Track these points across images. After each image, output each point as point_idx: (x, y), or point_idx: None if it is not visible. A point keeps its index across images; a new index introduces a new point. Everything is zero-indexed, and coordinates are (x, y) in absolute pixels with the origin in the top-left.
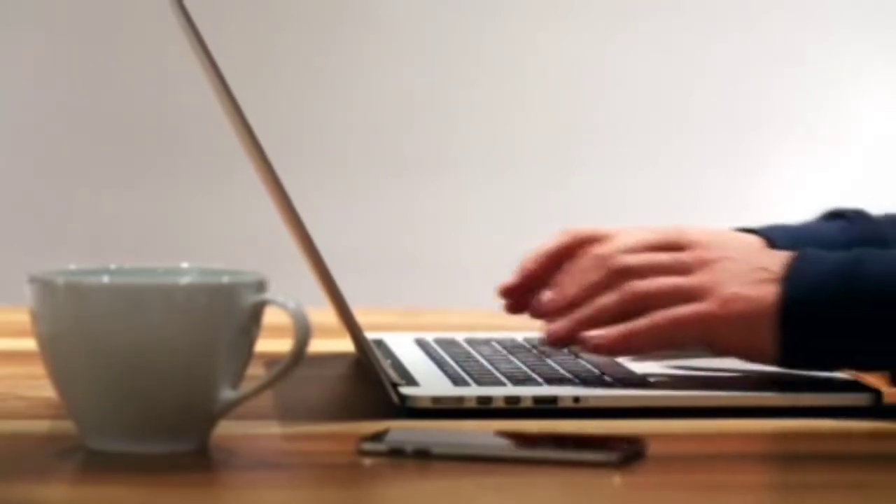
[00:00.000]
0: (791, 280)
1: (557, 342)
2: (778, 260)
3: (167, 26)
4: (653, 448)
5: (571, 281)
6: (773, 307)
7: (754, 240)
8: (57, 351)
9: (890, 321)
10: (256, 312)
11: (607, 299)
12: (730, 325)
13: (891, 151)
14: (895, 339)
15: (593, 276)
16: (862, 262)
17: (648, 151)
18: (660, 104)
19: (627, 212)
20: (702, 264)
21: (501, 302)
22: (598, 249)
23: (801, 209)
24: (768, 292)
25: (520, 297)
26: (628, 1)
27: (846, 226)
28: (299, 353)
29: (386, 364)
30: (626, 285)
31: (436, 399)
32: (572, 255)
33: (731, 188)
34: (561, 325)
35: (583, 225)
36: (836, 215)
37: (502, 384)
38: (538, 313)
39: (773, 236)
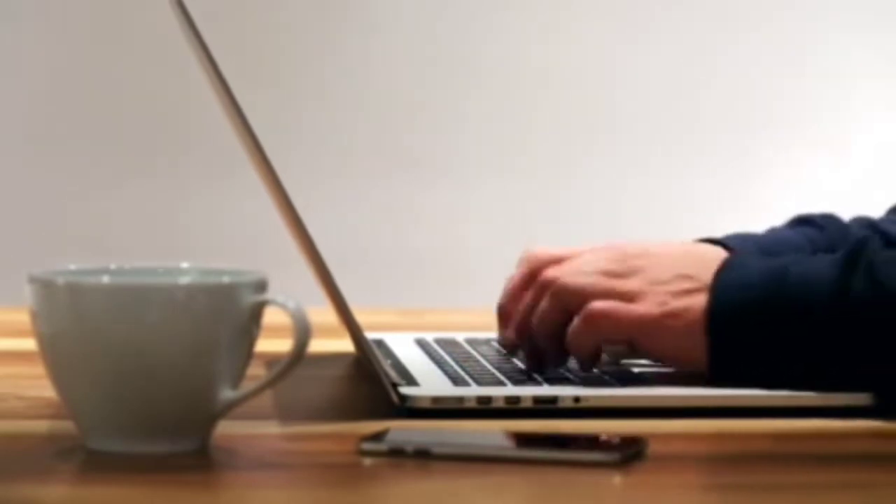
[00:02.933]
0: (718, 290)
1: (537, 371)
2: (706, 267)
3: (167, 26)
4: (653, 448)
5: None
6: (701, 318)
7: (716, 252)
8: (57, 351)
9: (815, 331)
10: (256, 312)
11: (541, 304)
12: (660, 332)
13: (893, 154)
14: (825, 350)
15: (528, 295)
16: (787, 270)
17: (651, 153)
18: (663, 106)
19: (630, 212)
20: (633, 272)
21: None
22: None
23: (803, 211)
24: (696, 302)
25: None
26: (633, 4)
27: (813, 232)
28: (299, 353)
29: (386, 364)
30: (555, 285)
31: (436, 399)
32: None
33: (733, 190)
34: (507, 335)
35: (541, 247)
36: (804, 221)
37: (502, 384)
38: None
39: (739, 246)
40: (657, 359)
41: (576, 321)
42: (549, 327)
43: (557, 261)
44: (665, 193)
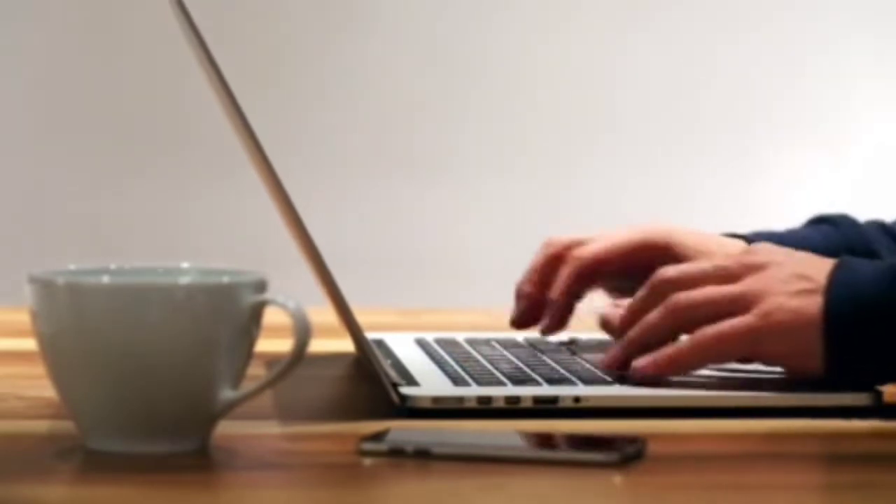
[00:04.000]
0: (834, 291)
1: (613, 368)
2: (821, 268)
3: (167, 26)
4: (653, 448)
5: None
6: (817, 319)
7: (739, 245)
8: (57, 351)
9: None
10: (256, 312)
11: (652, 317)
12: (775, 337)
13: (893, 154)
14: None
15: (640, 295)
16: None
17: (653, 153)
18: (664, 106)
19: (631, 212)
20: (747, 271)
21: (508, 307)
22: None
23: (803, 211)
24: (812, 303)
25: (529, 318)
26: (634, 4)
27: (831, 232)
28: (299, 353)
29: (386, 364)
30: (669, 300)
31: (436, 399)
32: (559, 265)
33: (733, 190)
34: (613, 353)
35: (562, 235)
36: (821, 221)
37: (502, 384)
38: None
39: (757, 241)
40: (774, 365)
41: (687, 346)
42: (653, 339)
43: (578, 243)
44: (665, 193)
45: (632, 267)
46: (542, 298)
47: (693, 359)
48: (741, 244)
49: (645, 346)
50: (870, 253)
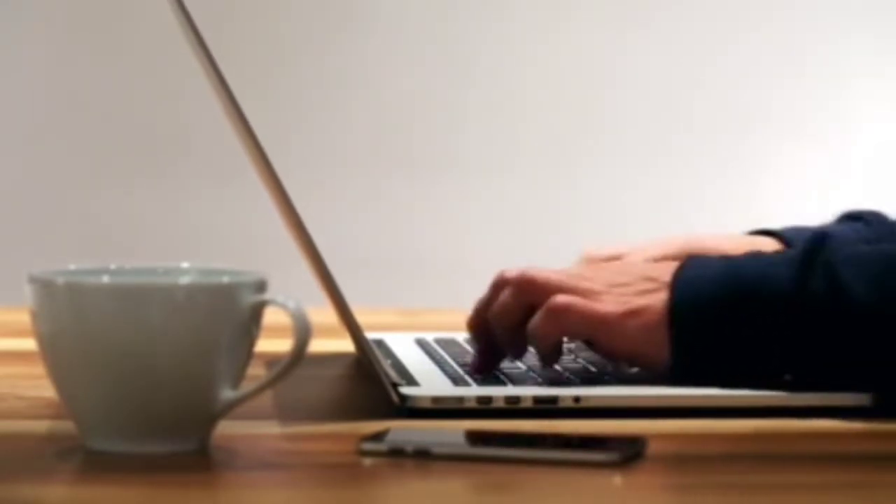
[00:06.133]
0: (678, 286)
1: (479, 371)
2: (666, 270)
3: (167, 26)
4: (653, 448)
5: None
6: (661, 314)
7: (772, 245)
8: (57, 351)
9: (764, 322)
10: (256, 312)
11: (503, 297)
12: (623, 328)
13: (893, 153)
14: (776, 341)
15: (488, 293)
16: (743, 267)
17: (653, 153)
18: (665, 105)
19: (632, 213)
20: (594, 276)
21: None
22: None
23: (804, 210)
24: (656, 299)
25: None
26: (634, 4)
27: (863, 228)
28: (299, 353)
29: (386, 364)
30: (516, 279)
31: (436, 399)
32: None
33: (734, 190)
34: (476, 355)
35: (599, 246)
36: (853, 217)
37: (502, 384)
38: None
39: (792, 237)
40: (616, 357)
41: (538, 314)
42: (508, 319)
43: (616, 257)
44: (666, 193)
45: None
46: None
47: (544, 326)
48: (774, 244)
49: (498, 331)
50: None
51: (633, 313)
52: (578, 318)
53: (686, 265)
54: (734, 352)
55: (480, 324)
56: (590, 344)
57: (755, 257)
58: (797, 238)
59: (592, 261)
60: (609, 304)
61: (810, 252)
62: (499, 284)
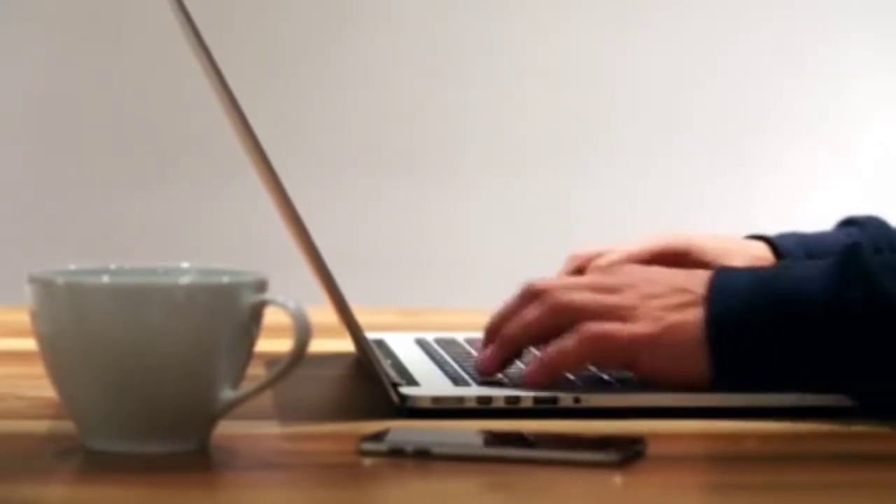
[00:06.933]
0: (714, 299)
1: (488, 372)
2: (698, 280)
3: (167, 26)
4: (653, 448)
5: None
6: (700, 330)
7: (761, 247)
8: (57, 351)
9: (804, 333)
10: (256, 312)
11: (529, 314)
12: (659, 350)
13: (894, 153)
14: (816, 352)
15: (515, 302)
16: (777, 277)
17: (654, 153)
18: (665, 107)
19: (632, 213)
20: (622, 287)
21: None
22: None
23: (808, 212)
24: (692, 315)
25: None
26: (634, 4)
27: (855, 233)
28: (299, 353)
29: (386, 364)
30: (547, 298)
31: (436, 399)
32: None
33: (735, 190)
34: (488, 352)
35: (582, 248)
36: (849, 223)
37: (502, 384)
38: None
39: (785, 243)
40: (656, 378)
41: (569, 340)
42: (534, 335)
43: (600, 255)
44: (667, 193)
45: None
46: None
47: (577, 354)
48: (764, 247)
49: (520, 345)
50: None
51: (670, 330)
52: (615, 346)
53: (718, 277)
54: (774, 363)
55: (499, 330)
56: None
57: (787, 268)
58: (789, 244)
59: (576, 259)
60: (644, 324)
61: (845, 261)
62: (526, 296)
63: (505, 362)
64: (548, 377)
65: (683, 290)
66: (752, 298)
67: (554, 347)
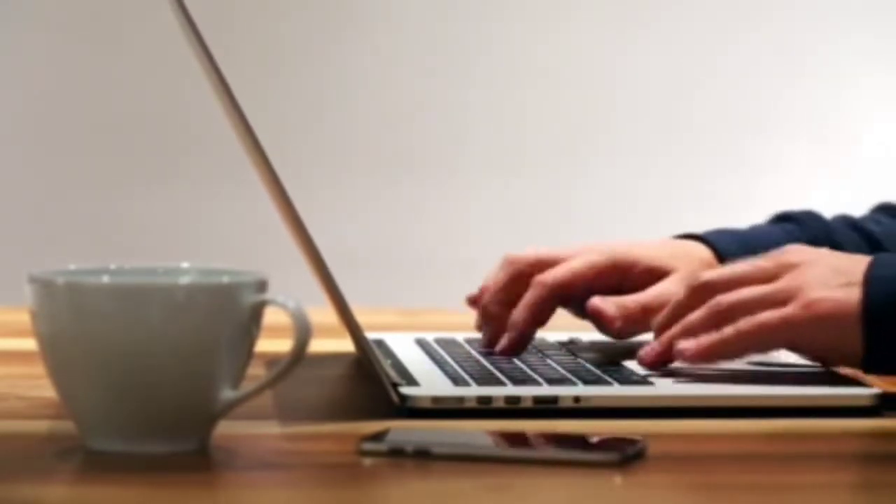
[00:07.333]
0: (873, 282)
1: (651, 365)
2: (856, 264)
3: (167, 26)
4: (653, 448)
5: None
6: (857, 308)
7: (697, 246)
8: (57, 351)
9: None
10: (256, 312)
11: (695, 316)
12: (815, 327)
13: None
14: None
15: (680, 299)
16: None
17: (654, 153)
18: (665, 107)
19: (634, 213)
20: (785, 270)
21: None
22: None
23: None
24: (852, 294)
25: (498, 339)
26: (635, 4)
27: (794, 229)
28: (299, 353)
29: (386, 364)
30: (713, 300)
31: (436, 399)
32: (522, 286)
33: (736, 190)
34: (652, 346)
35: (524, 252)
36: (785, 218)
37: (502, 384)
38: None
39: (720, 241)
40: (811, 351)
41: (731, 333)
42: (696, 334)
43: (543, 263)
44: (667, 194)
45: (598, 289)
46: (507, 319)
47: (735, 346)
48: (704, 249)
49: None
50: (835, 248)
51: (825, 309)
52: (771, 335)
53: (878, 263)
54: None
55: (664, 329)
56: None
57: None
58: (724, 241)
59: (514, 264)
60: (796, 306)
61: None
62: (694, 293)
63: (668, 359)
64: (702, 358)
65: (843, 273)
66: None
67: (715, 339)
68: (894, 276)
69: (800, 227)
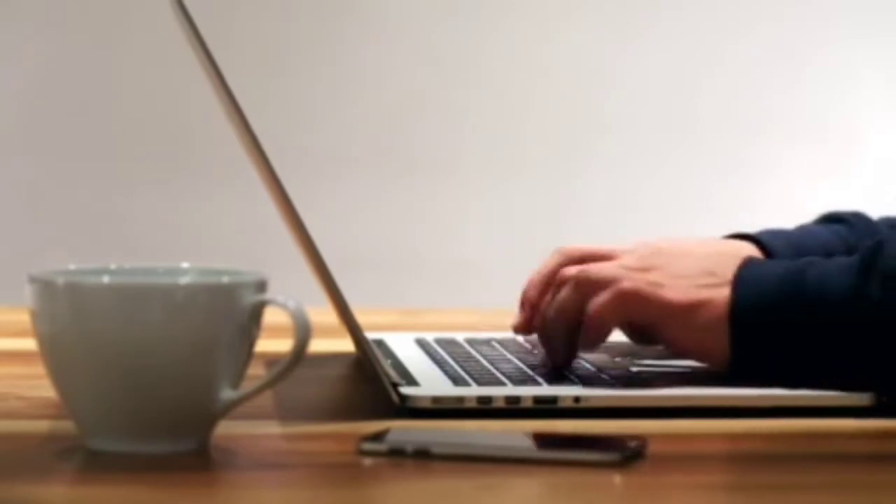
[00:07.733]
0: (740, 285)
1: (558, 366)
2: (727, 265)
3: (168, 26)
4: (653, 448)
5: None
6: (723, 310)
7: (747, 246)
8: (57, 351)
9: (830, 332)
10: (256, 312)
11: (562, 293)
12: (688, 319)
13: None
14: (840, 351)
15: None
16: (804, 272)
17: (655, 154)
18: (665, 107)
19: (633, 214)
20: (652, 267)
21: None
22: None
23: (810, 214)
24: (718, 294)
25: (531, 326)
26: (635, 5)
27: (843, 229)
28: (299, 353)
29: (386, 364)
30: (578, 273)
31: (436, 399)
32: None
33: (737, 193)
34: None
35: (576, 244)
36: (834, 219)
37: (502, 384)
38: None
39: (770, 241)
40: (677, 349)
41: (603, 295)
42: (565, 318)
43: (590, 256)
44: (667, 194)
45: None
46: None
47: (612, 309)
48: (752, 249)
49: (559, 328)
50: None
51: (698, 305)
52: (645, 303)
53: (747, 264)
54: (792, 353)
55: (542, 327)
56: (636, 335)
57: (813, 262)
58: (774, 241)
59: (563, 256)
60: (674, 293)
61: (867, 259)
62: (558, 283)
63: (556, 350)
64: (594, 336)
65: (711, 273)
66: (778, 286)
67: (590, 305)
68: (762, 280)
69: (849, 228)
